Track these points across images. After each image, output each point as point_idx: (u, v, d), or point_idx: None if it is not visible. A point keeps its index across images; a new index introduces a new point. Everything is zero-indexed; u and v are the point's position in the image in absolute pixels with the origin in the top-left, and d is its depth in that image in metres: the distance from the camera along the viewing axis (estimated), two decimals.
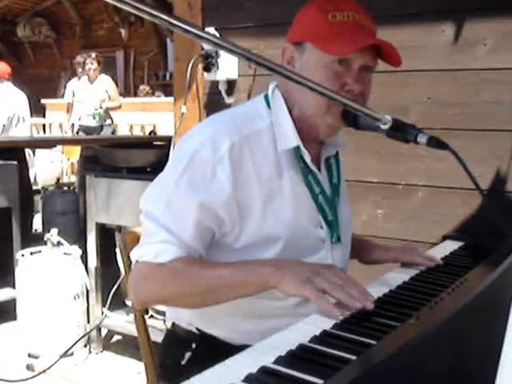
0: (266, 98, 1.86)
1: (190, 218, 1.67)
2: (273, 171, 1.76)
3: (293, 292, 1.50)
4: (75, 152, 9.12)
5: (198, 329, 1.90)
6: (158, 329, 3.11)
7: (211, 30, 3.52)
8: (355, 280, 1.55)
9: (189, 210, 1.66)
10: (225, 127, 1.73)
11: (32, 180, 6.60)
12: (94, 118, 9.74)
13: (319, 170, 1.89)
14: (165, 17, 0.90)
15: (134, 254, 1.74)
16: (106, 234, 4.36)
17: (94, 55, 10.22)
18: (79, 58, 10.47)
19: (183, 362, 1.90)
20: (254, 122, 1.78)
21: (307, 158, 1.80)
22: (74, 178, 9.32)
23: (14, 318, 4.46)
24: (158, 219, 1.69)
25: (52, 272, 4.23)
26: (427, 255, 2.05)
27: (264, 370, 1.18)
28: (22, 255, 4.37)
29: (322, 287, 1.47)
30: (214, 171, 1.66)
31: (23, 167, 5.44)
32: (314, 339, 1.34)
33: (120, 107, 10.43)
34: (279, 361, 1.22)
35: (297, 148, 1.78)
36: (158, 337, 2.15)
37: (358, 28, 1.73)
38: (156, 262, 1.66)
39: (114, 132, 10.27)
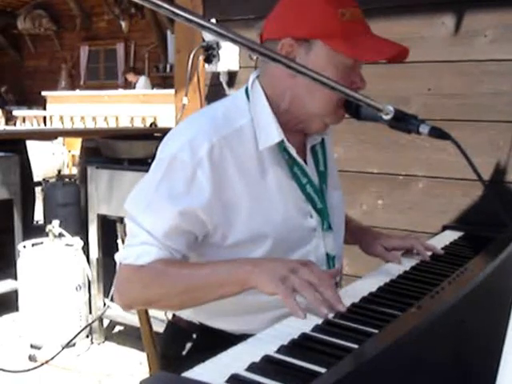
0: (247, 91, 1.82)
1: (169, 223, 1.66)
2: (257, 168, 1.74)
3: (267, 290, 1.47)
4: (76, 144, 9.14)
5: (198, 321, 1.90)
6: (159, 319, 3.11)
7: (212, 21, 3.52)
8: (332, 281, 1.53)
9: (169, 215, 1.66)
10: (204, 128, 1.70)
11: None
12: None
13: (305, 158, 1.87)
14: (168, 6, 0.91)
15: (118, 257, 1.74)
16: (108, 225, 4.36)
17: None
18: None
19: (185, 353, 1.90)
20: (234, 120, 1.75)
21: (292, 151, 1.78)
22: (75, 170, 9.33)
23: (16, 309, 4.48)
24: (139, 222, 1.69)
25: (54, 263, 4.24)
26: (428, 244, 2.05)
27: (267, 359, 1.18)
28: (24, 247, 4.38)
29: (293, 286, 1.45)
30: (193, 174, 1.65)
31: (24, 159, 5.44)
32: (317, 328, 1.35)
33: None
34: (282, 350, 1.23)
35: (280, 142, 1.75)
36: (159, 327, 2.16)
37: (367, 28, 1.73)
38: (137, 265, 1.66)
39: None
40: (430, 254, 2.01)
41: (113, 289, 1.75)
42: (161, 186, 1.68)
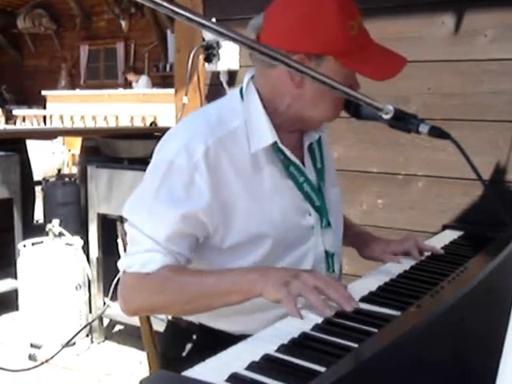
0: (241, 91, 1.82)
1: (172, 227, 1.66)
2: (252, 169, 1.74)
3: (272, 298, 1.48)
4: (76, 143, 9.14)
5: (198, 321, 1.91)
6: (159, 318, 3.11)
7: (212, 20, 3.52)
8: (339, 283, 1.53)
9: (170, 220, 1.66)
10: (198, 131, 1.70)
11: None
12: None
13: (302, 157, 1.87)
14: (168, 5, 0.91)
15: (121, 265, 1.73)
16: (108, 225, 4.36)
17: None
18: None
19: (185, 353, 1.90)
20: (228, 122, 1.74)
21: (287, 152, 1.77)
22: (75, 170, 9.34)
23: (16, 308, 4.47)
24: (141, 229, 1.68)
25: (54, 262, 4.24)
26: (427, 245, 2.06)
27: (267, 358, 1.18)
28: (24, 246, 4.38)
29: (297, 291, 1.45)
30: (191, 178, 1.65)
31: (24, 158, 5.45)
32: (316, 327, 1.35)
33: None
34: (282, 349, 1.23)
35: (274, 143, 1.75)
36: (159, 326, 2.16)
37: (370, 38, 1.75)
38: (143, 272, 1.66)
39: None
40: (428, 254, 2.02)
41: (118, 296, 1.75)
42: (160, 192, 1.68)
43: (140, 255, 1.68)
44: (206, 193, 1.65)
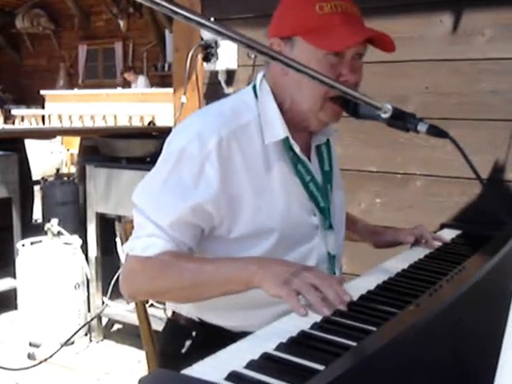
0: (254, 88, 1.86)
1: (177, 216, 1.67)
2: (262, 163, 1.77)
3: (271, 292, 1.48)
4: (75, 143, 9.14)
5: (198, 317, 1.91)
6: (158, 317, 3.12)
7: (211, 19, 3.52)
8: (336, 280, 1.53)
9: (176, 210, 1.67)
10: (212, 122, 1.73)
11: None
12: None
13: (309, 157, 1.89)
14: (167, 4, 0.91)
15: (125, 247, 1.75)
16: (106, 224, 4.37)
17: None
18: None
19: (184, 350, 1.91)
20: (241, 115, 1.77)
21: (296, 149, 1.80)
22: (73, 169, 9.33)
23: (15, 307, 4.48)
24: (147, 214, 1.70)
25: (52, 262, 4.24)
26: (435, 235, 2.18)
27: (266, 357, 1.19)
28: (23, 245, 4.39)
29: (297, 289, 1.45)
30: (202, 167, 1.67)
31: (23, 158, 5.45)
32: (315, 326, 1.35)
33: None
34: (281, 347, 1.23)
35: (285, 139, 1.78)
36: (158, 325, 2.16)
37: (348, 18, 1.72)
38: (144, 256, 1.68)
39: None
40: (438, 243, 2.14)
41: (120, 278, 1.77)
42: (169, 179, 1.70)
43: (143, 239, 1.70)
44: (215, 183, 1.67)
